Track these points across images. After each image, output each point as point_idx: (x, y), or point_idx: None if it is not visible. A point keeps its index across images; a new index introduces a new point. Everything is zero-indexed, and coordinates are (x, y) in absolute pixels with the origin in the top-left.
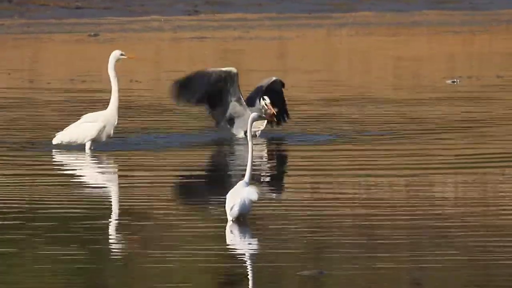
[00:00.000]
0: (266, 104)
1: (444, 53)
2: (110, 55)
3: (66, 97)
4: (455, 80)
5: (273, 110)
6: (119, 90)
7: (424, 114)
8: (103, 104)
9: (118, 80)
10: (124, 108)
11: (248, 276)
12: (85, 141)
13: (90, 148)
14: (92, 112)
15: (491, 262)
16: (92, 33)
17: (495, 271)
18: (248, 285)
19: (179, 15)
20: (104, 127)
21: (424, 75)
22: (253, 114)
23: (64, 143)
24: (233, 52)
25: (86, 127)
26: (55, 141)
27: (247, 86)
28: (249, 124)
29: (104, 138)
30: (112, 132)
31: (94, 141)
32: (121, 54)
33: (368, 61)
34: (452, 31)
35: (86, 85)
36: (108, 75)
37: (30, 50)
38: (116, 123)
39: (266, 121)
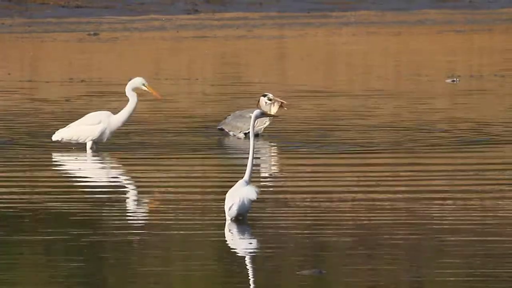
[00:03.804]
0: (270, 99)
1: (445, 52)
2: (130, 80)
3: (65, 96)
4: (455, 79)
5: (280, 100)
6: (135, 109)
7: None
8: (103, 103)
9: (137, 100)
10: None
11: (248, 276)
12: (86, 141)
13: (90, 148)
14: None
15: None
16: (92, 32)
17: None
18: (248, 285)
19: (179, 14)
20: (106, 129)
21: (424, 74)
22: (256, 112)
23: (64, 140)
24: (235, 51)
25: (88, 128)
26: (54, 138)
27: (248, 85)
28: (252, 121)
29: (105, 139)
30: (111, 135)
31: (95, 141)
32: (143, 84)
33: (369, 60)
34: (453, 30)
35: (85, 84)
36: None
37: (29, 49)
38: (116, 129)
39: (269, 118)
